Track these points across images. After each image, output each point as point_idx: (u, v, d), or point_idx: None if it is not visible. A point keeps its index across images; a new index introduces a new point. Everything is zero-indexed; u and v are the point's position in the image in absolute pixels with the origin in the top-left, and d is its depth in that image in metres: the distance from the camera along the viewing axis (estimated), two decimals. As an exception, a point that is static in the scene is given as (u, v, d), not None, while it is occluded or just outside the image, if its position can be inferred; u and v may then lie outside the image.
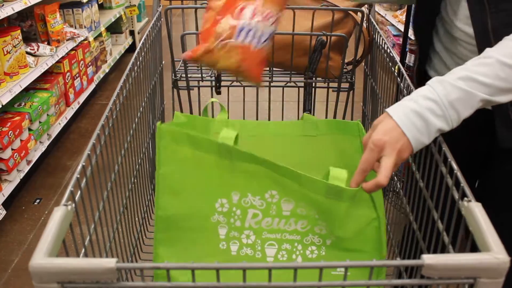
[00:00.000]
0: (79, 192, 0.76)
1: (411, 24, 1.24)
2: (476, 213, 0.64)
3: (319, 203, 0.94)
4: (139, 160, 1.26)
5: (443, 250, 0.83)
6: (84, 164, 0.79)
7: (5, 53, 2.53)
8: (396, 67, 1.25)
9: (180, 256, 1.02)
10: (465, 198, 0.69)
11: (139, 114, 1.24)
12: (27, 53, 2.86)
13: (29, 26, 3.19)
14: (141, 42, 1.28)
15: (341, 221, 0.96)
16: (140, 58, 1.24)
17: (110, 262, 0.54)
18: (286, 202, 0.95)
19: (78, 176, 0.75)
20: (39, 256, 0.56)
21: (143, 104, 1.29)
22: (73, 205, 0.69)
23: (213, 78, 1.56)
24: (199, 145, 0.95)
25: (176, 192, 0.99)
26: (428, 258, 0.55)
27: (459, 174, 0.77)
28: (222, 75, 1.56)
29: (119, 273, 0.55)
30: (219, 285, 0.55)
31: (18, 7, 2.62)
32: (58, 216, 0.64)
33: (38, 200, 2.74)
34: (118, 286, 0.57)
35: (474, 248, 0.63)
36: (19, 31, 2.67)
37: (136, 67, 1.19)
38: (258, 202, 0.95)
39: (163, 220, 1.01)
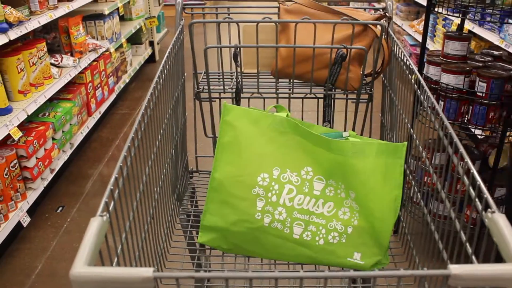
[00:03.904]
0: (112, 203, 0.79)
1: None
2: (500, 224, 0.65)
3: (348, 165, 1.11)
4: (164, 170, 1.29)
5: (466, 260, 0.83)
6: (116, 176, 0.82)
7: (31, 64, 2.61)
8: (414, 76, 1.26)
9: (223, 216, 1.19)
10: (489, 209, 0.70)
11: (164, 125, 1.27)
12: (51, 64, 2.94)
13: (53, 38, 3.27)
14: (165, 55, 1.32)
15: (367, 178, 1.11)
16: (165, 71, 1.28)
17: (147, 272, 0.57)
18: (318, 181, 1.14)
19: (112, 187, 0.79)
20: (79, 265, 0.59)
21: (168, 116, 1.33)
22: (108, 215, 0.72)
23: (234, 90, 1.59)
24: (255, 118, 1.16)
25: (230, 162, 1.17)
26: (455, 268, 0.57)
27: (482, 186, 0.78)
28: (243, 87, 1.59)
29: (155, 282, 0.58)
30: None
31: (44, 20, 2.69)
32: (95, 226, 0.67)
33: (60, 208, 2.80)
34: (153, 294, 0.59)
35: (499, 259, 0.64)
36: (44, 43, 2.75)
37: (161, 80, 1.23)
38: (294, 179, 1.14)
39: (218, 181, 1.18)
